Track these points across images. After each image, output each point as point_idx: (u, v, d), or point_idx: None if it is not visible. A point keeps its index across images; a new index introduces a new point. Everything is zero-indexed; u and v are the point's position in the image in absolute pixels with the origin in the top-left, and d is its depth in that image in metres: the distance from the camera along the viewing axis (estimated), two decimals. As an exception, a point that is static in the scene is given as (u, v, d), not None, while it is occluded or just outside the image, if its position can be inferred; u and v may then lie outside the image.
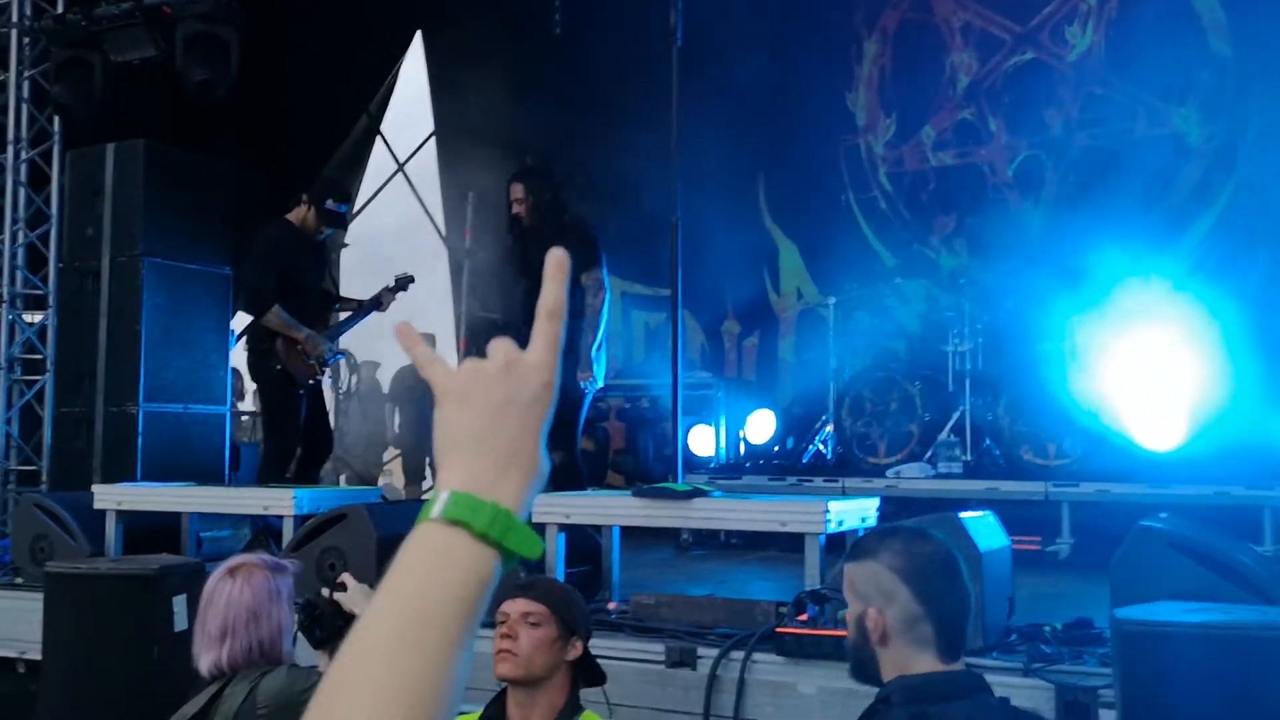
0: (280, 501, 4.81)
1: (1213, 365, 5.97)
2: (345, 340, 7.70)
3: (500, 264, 8.11)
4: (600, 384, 5.48)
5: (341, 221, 5.92)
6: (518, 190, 5.49)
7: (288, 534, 4.73)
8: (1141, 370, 6.07)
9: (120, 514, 5.09)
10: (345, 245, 10.57)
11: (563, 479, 5.25)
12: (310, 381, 5.76)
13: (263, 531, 5.19)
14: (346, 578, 2.94)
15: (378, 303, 6.04)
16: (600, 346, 5.37)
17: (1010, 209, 8.10)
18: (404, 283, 6.11)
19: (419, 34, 10.61)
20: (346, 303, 6.22)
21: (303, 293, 5.81)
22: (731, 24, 8.21)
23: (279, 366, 5.73)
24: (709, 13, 6.36)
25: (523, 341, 0.99)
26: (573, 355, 5.20)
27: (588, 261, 5.29)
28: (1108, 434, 6.14)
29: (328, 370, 5.83)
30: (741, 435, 8.15)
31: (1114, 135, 7.73)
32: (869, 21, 8.70)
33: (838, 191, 8.71)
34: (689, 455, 7.69)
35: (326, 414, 6.15)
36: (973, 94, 8.31)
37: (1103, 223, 6.93)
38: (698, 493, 4.16)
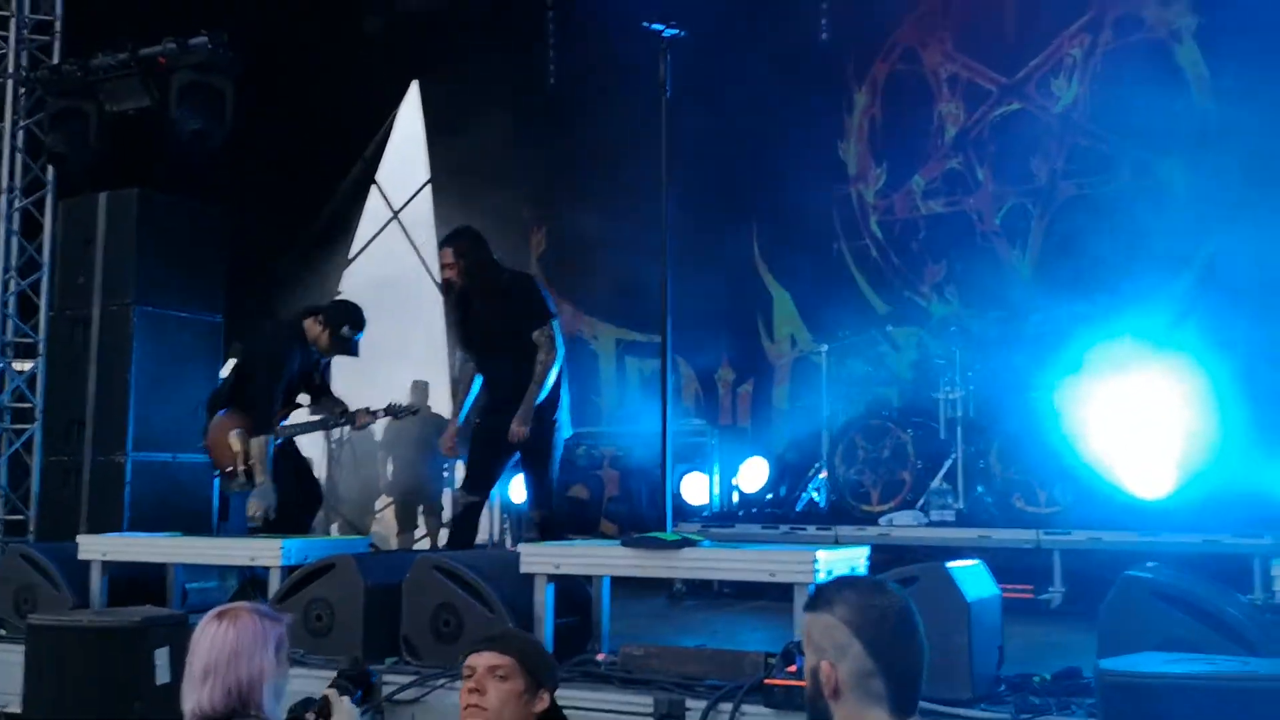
0: (267, 552, 4.77)
1: (1201, 414, 5.99)
2: (337, 389, 7.68)
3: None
4: (569, 433, 5.45)
5: (354, 349, 5.81)
6: (447, 255, 5.31)
7: (275, 585, 4.69)
8: (1130, 418, 6.08)
9: (105, 565, 5.04)
10: (340, 293, 10.61)
11: (547, 535, 5.23)
12: (229, 469, 5.68)
13: (249, 583, 5.15)
14: (332, 695, 2.89)
15: (352, 419, 5.87)
16: (560, 401, 5.29)
17: (999, 257, 8.15)
18: (396, 411, 5.91)
19: (415, 83, 10.73)
20: (328, 402, 6.01)
21: (289, 392, 5.79)
22: (725, 75, 8.32)
23: (202, 444, 5.75)
24: (702, 64, 6.43)
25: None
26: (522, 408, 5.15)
27: (537, 318, 5.21)
28: (1098, 482, 6.14)
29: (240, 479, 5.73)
30: (735, 483, 8.12)
31: (1099, 185, 7.81)
32: (859, 73, 8.81)
33: (830, 240, 8.77)
34: (682, 503, 7.67)
35: (308, 466, 6.11)
36: (960, 144, 8.41)
37: (1090, 271, 6.98)
38: (687, 542, 4.14)
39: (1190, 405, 5.99)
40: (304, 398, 6.00)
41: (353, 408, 5.88)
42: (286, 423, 5.84)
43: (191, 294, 6.73)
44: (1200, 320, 6.63)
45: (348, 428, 6.03)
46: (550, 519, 5.34)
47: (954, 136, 8.41)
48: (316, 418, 6.06)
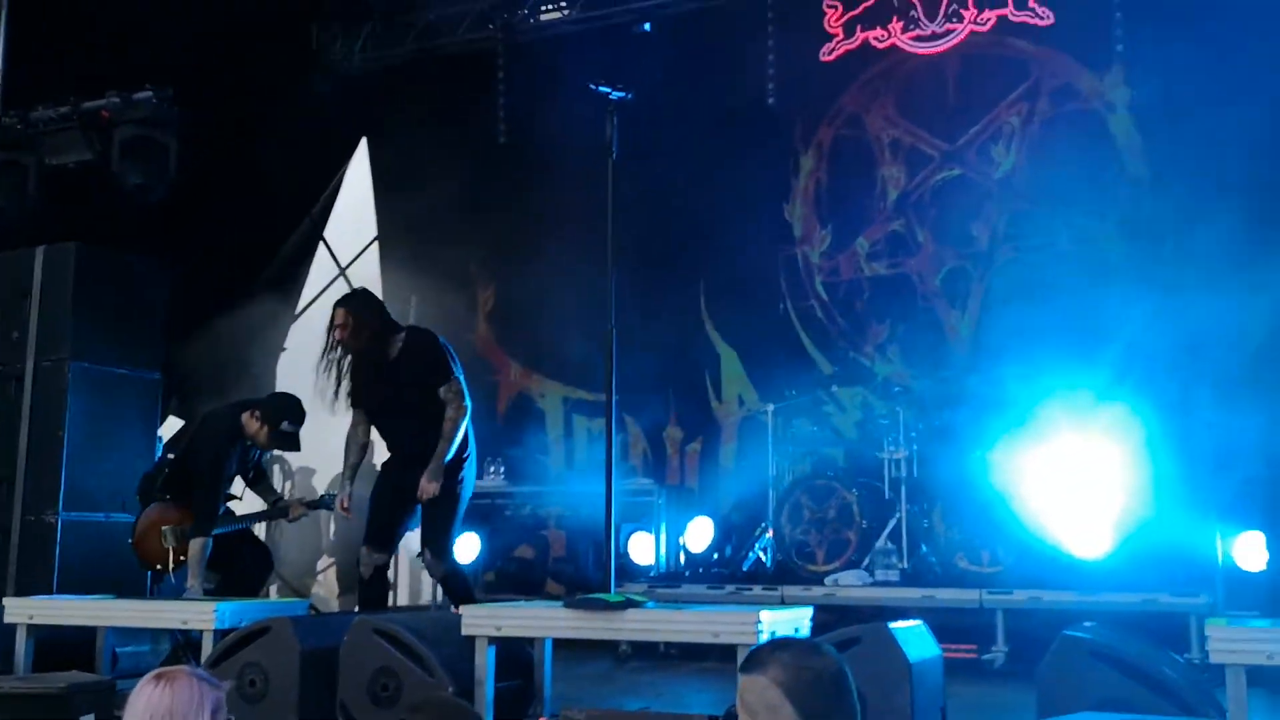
0: (200, 615, 4.65)
1: (1138, 474, 6.10)
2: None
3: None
4: (472, 489, 5.41)
5: (293, 444, 5.82)
6: (338, 315, 5.25)
7: (208, 648, 4.57)
8: (1068, 478, 6.18)
9: (31, 628, 4.90)
10: (284, 350, 10.49)
11: (456, 591, 5.16)
12: (158, 567, 5.68)
13: (181, 647, 5.02)
14: None
15: (284, 512, 5.93)
16: (468, 457, 5.25)
17: (940, 318, 8.29)
18: (329, 504, 5.94)
19: (364, 140, 10.74)
20: (264, 489, 6.05)
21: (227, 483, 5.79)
22: (673, 137, 8.44)
23: (129, 540, 5.71)
24: (651, 126, 6.51)
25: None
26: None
27: (440, 375, 5.16)
28: (1038, 542, 6.22)
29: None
30: (681, 543, 8.09)
31: (1037, 248, 8.00)
32: (805, 137, 8.98)
33: (776, 300, 8.85)
34: (629, 564, 7.62)
35: (251, 530, 6.02)
36: (901, 207, 8.58)
37: (1028, 332, 7.12)
38: (630, 603, 4.11)
39: (1126, 465, 6.10)
40: (238, 487, 5.97)
41: (287, 495, 5.84)
42: (223, 513, 5.79)
43: (129, 350, 6.61)
44: (1135, 382, 6.77)
45: (282, 519, 6.02)
46: (454, 574, 5.28)
47: (895, 200, 8.58)
48: (252, 511, 6.04)
